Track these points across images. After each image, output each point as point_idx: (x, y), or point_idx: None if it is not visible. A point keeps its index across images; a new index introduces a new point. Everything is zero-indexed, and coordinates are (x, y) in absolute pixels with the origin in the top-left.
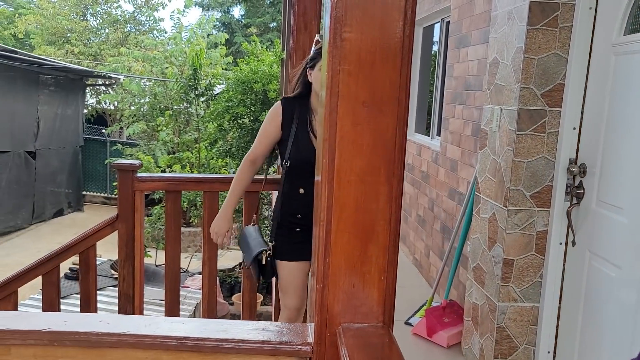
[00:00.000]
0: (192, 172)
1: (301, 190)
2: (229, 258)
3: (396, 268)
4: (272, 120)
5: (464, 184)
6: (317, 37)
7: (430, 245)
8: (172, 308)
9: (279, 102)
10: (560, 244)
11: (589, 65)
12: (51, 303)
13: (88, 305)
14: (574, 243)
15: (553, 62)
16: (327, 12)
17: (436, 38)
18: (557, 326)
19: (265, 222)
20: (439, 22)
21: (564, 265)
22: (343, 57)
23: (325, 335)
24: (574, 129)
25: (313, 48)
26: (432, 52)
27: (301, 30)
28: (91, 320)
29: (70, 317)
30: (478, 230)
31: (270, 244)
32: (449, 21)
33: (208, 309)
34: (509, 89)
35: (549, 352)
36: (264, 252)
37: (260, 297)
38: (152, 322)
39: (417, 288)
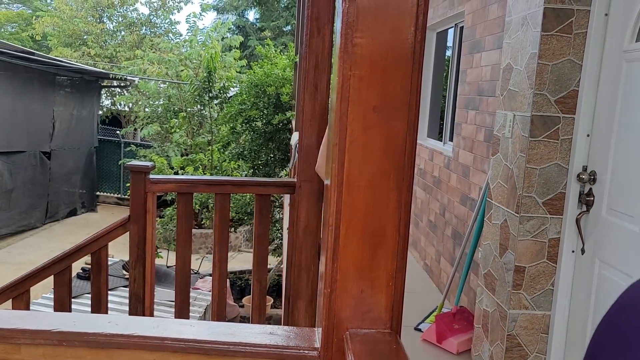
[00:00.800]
0: (204, 174)
1: None
2: (240, 260)
3: (404, 274)
4: None
5: (475, 190)
6: None
7: (441, 251)
8: (182, 309)
9: None
10: (573, 251)
11: (600, 71)
12: (62, 302)
13: (99, 305)
14: (583, 251)
15: (567, 69)
16: (339, 17)
17: (450, 43)
18: (566, 335)
19: (277, 224)
20: (452, 27)
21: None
22: (354, 62)
23: (332, 340)
24: (588, 135)
25: None
26: (446, 57)
27: (314, 35)
28: (100, 321)
29: (79, 318)
30: (489, 236)
31: None
32: (462, 26)
33: (218, 311)
34: (523, 94)
35: None
36: None
37: (270, 300)
38: (160, 323)
39: (428, 293)
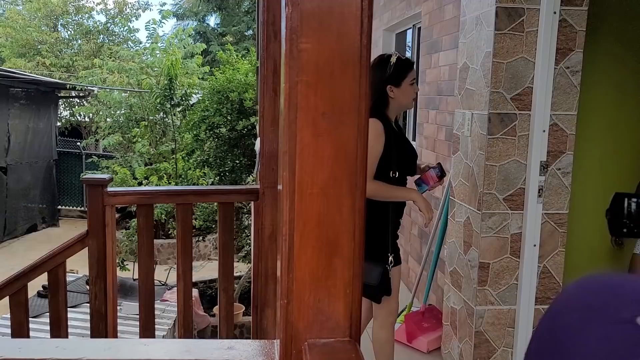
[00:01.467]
0: (169, 183)
1: None
2: (210, 269)
3: (361, 281)
4: (379, 138)
5: (439, 189)
6: (393, 56)
7: (408, 251)
8: (147, 324)
9: (376, 120)
10: (535, 245)
11: (555, 68)
12: (20, 324)
13: (58, 326)
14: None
15: (521, 66)
16: (283, 22)
17: (410, 44)
18: (532, 328)
19: (246, 231)
20: (411, 28)
21: (539, 267)
22: (301, 68)
23: (291, 352)
24: (544, 131)
25: (391, 66)
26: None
27: (271, 39)
28: (47, 347)
29: (25, 344)
30: (454, 234)
31: (390, 256)
32: (420, 27)
33: (184, 324)
34: (479, 93)
35: None
36: (387, 265)
37: (242, 308)
38: (112, 345)
39: None
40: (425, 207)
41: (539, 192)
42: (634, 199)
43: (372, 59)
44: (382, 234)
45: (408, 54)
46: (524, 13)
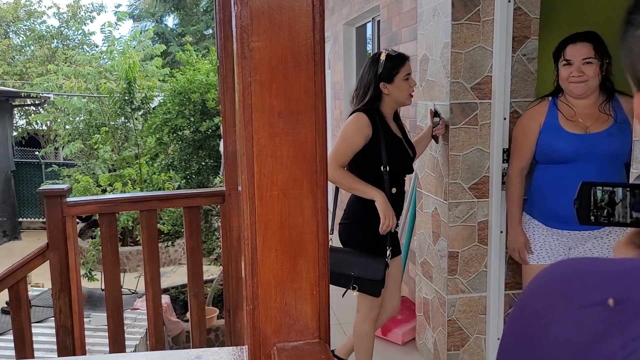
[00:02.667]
0: (134, 189)
1: (394, 190)
2: (181, 274)
3: (328, 281)
4: (360, 131)
5: (406, 180)
6: (384, 52)
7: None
8: (116, 336)
9: (362, 114)
10: (501, 232)
11: (513, 56)
12: None
13: (23, 343)
14: None
15: (479, 56)
16: (233, 21)
17: (370, 37)
18: (503, 314)
19: (216, 233)
20: (370, 21)
21: (507, 252)
22: (253, 67)
23: (260, 357)
24: (505, 119)
25: (381, 63)
26: (367, 52)
27: (229, 38)
28: None
29: None
30: (422, 225)
31: (388, 250)
32: (379, 20)
33: (155, 333)
34: (440, 84)
35: (498, 339)
36: (387, 258)
37: (215, 311)
38: None
39: None
40: (383, 212)
41: (502, 179)
42: (600, 187)
43: (326, 55)
44: (377, 227)
45: (369, 48)
46: (480, 3)
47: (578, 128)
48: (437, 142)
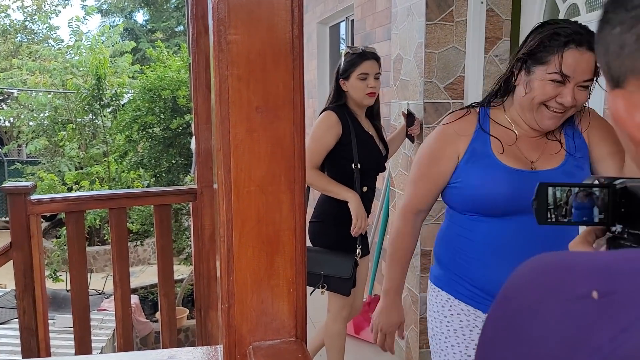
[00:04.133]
0: (102, 187)
1: (365, 189)
2: (151, 273)
3: (305, 279)
4: (330, 129)
5: (380, 179)
6: (344, 49)
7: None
8: (82, 338)
9: (331, 112)
10: None
11: (485, 57)
12: None
13: None
14: None
15: (452, 56)
16: (210, 13)
17: (344, 36)
18: None
19: (186, 232)
20: (344, 20)
21: None
22: (231, 60)
23: (235, 357)
24: None
25: (342, 59)
26: (341, 51)
27: (201, 34)
28: None
29: None
30: None
31: (358, 247)
32: (353, 19)
33: (123, 334)
34: (414, 83)
35: None
36: (357, 256)
37: (185, 311)
38: None
39: None
40: (356, 214)
41: None
42: (558, 187)
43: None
44: (347, 226)
45: (342, 47)
46: (453, 3)
47: (519, 162)
48: (412, 142)
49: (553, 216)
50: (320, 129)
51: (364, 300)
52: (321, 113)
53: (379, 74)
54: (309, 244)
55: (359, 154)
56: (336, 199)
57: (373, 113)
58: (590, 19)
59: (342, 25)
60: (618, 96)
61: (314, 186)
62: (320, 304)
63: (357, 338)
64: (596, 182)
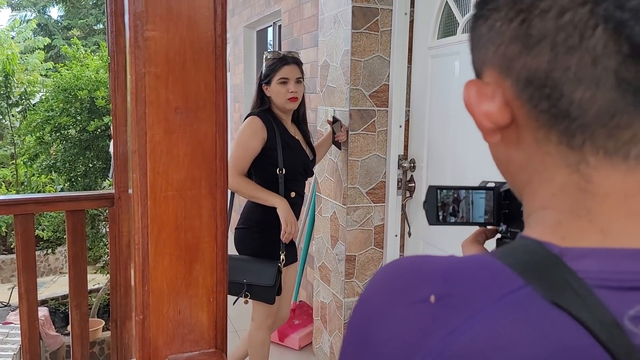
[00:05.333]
0: (9, 191)
1: (292, 194)
2: (63, 284)
3: (226, 287)
4: (255, 135)
5: (306, 185)
6: (265, 54)
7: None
8: None
9: (255, 117)
10: (396, 236)
11: (410, 66)
12: None
13: None
14: (409, 234)
15: (377, 64)
16: (126, 7)
17: (271, 41)
18: None
19: (104, 239)
20: (271, 25)
21: (400, 256)
22: (148, 58)
23: None
24: (400, 126)
25: (264, 64)
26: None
27: (121, 32)
28: None
29: None
30: (321, 229)
31: (282, 254)
32: (280, 25)
33: (30, 350)
34: (340, 90)
35: None
36: (280, 264)
37: (101, 323)
38: None
39: None
40: (285, 220)
41: (398, 185)
42: (445, 190)
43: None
44: (274, 233)
45: None
46: (379, 13)
47: None
48: (339, 148)
49: (443, 217)
50: (245, 135)
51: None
52: (246, 118)
53: (301, 79)
54: (234, 251)
55: (284, 159)
56: (263, 205)
57: (299, 117)
58: None
59: (270, 30)
60: (471, 85)
61: (241, 193)
62: (246, 311)
63: (281, 345)
64: (483, 185)
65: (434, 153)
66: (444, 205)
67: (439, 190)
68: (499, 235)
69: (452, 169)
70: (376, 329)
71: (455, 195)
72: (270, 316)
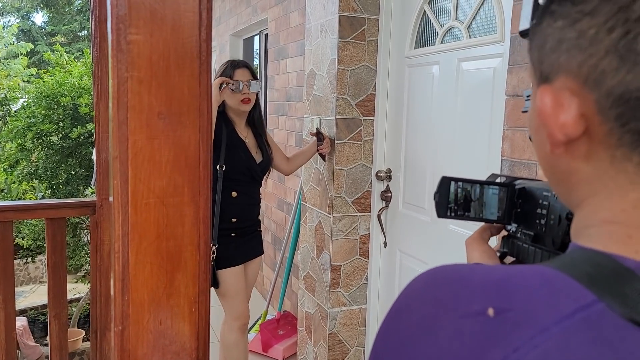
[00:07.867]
0: None
1: (234, 194)
2: (42, 293)
3: (209, 297)
4: None
5: (291, 194)
6: (231, 60)
7: (262, 258)
8: None
9: None
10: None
11: (389, 76)
12: None
13: None
14: (385, 244)
15: (364, 74)
16: (109, 10)
17: (257, 50)
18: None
19: (85, 248)
20: (258, 34)
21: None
22: (131, 62)
23: None
24: (386, 136)
25: (216, 71)
26: (254, 65)
27: (104, 38)
28: None
29: None
30: (306, 239)
31: (214, 247)
32: (267, 33)
33: None
34: (326, 99)
35: None
36: (212, 253)
37: (81, 333)
38: None
39: (252, 302)
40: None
41: (382, 195)
42: (460, 183)
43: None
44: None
45: (256, 61)
46: (365, 22)
47: None
48: (324, 160)
49: (453, 211)
50: None
51: (273, 316)
52: None
53: (253, 80)
54: None
55: (225, 157)
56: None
57: (254, 121)
58: (474, 43)
59: (256, 38)
60: (547, 92)
61: None
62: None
63: (265, 356)
64: (498, 180)
65: (410, 163)
66: (456, 199)
67: (452, 182)
68: (505, 233)
69: (429, 180)
70: (421, 342)
71: (469, 189)
72: (239, 318)
